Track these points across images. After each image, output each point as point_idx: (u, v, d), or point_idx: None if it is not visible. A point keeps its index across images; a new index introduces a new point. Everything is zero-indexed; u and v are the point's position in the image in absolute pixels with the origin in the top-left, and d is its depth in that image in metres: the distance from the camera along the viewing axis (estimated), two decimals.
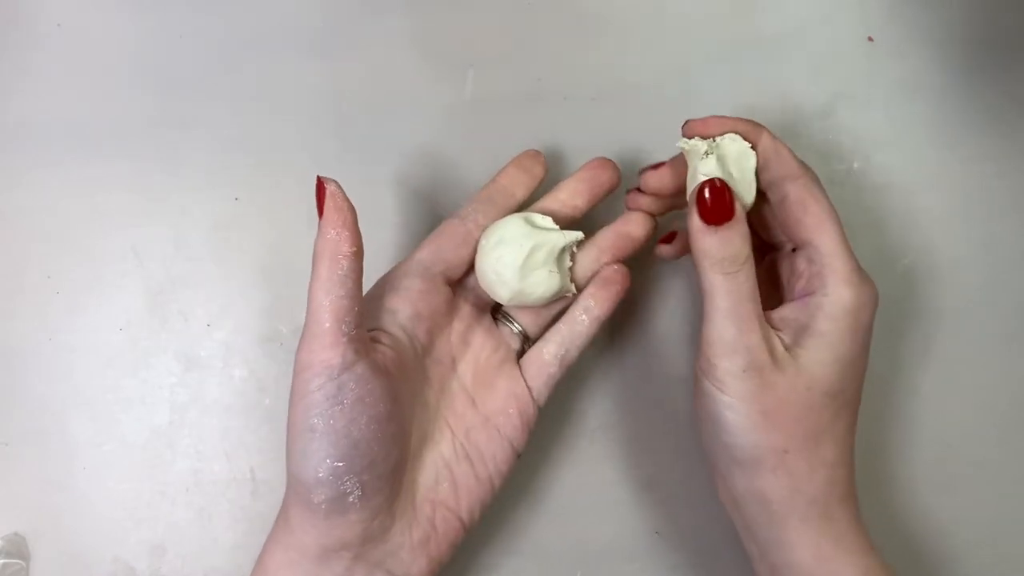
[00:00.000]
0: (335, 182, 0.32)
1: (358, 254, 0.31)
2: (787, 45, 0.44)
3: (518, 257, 0.34)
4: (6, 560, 0.38)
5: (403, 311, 0.34)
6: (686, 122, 0.34)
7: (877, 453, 0.41)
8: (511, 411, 0.35)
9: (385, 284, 0.35)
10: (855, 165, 0.43)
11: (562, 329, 0.36)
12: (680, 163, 0.35)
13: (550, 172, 0.40)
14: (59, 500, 0.39)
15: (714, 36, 0.44)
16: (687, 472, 0.40)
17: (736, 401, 0.31)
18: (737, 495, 0.33)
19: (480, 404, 0.35)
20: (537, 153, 0.39)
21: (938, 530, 0.40)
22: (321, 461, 0.30)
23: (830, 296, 0.31)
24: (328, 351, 0.30)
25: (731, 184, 0.32)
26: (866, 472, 0.40)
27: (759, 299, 0.32)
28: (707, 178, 0.32)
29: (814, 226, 0.32)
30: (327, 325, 0.30)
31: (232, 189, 0.42)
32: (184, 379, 0.41)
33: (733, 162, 0.33)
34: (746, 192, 0.33)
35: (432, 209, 0.42)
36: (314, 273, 0.31)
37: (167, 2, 0.44)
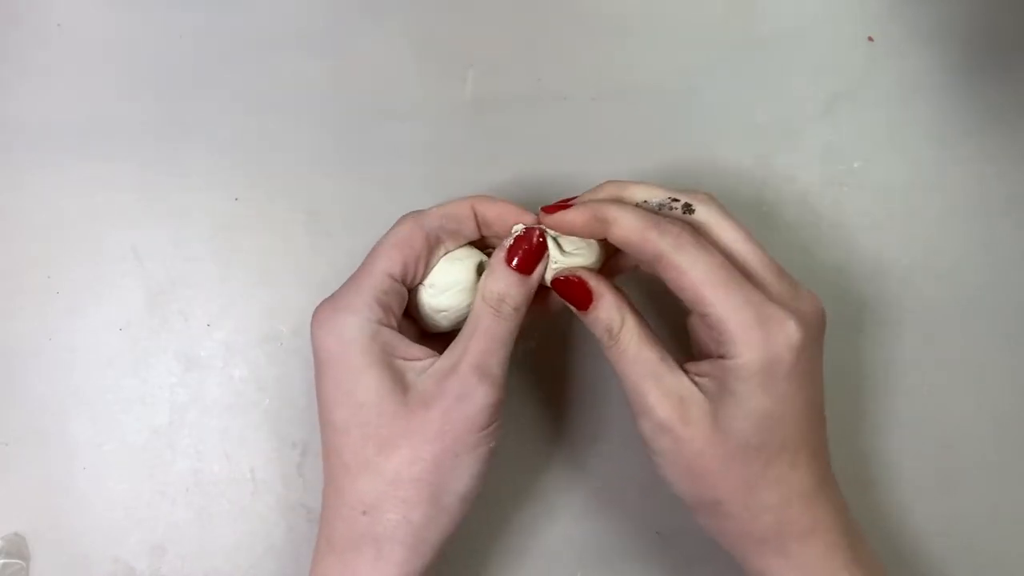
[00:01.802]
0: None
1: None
2: (787, 45, 0.44)
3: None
4: (6, 560, 0.38)
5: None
6: (542, 209, 0.34)
7: (877, 453, 0.41)
8: None
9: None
10: (855, 165, 0.43)
11: None
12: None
13: (546, 177, 0.40)
14: (59, 500, 0.39)
15: (714, 36, 0.44)
16: None
17: (659, 458, 0.32)
18: (701, 526, 0.34)
19: None
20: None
21: (937, 530, 0.40)
22: (484, 478, 0.33)
23: (734, 359, 0.30)
24: (506, 387, 0.34)
25: (571, 262, 0.34)
26: (866, 472, 0.40)
27: (653, 355, 0.32)
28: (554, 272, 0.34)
29: (694, 300, 0.31)
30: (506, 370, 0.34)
31: (232, 189, 0.42)
32: (184, 379, 0.41)
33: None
34: (591, 256, 0.34)
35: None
36: (500, 319, 0.33)
37: (167, 2, 0.44)
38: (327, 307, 0.33)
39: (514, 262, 0.33)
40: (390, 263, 0.33)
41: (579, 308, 0.33)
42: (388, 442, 0.32)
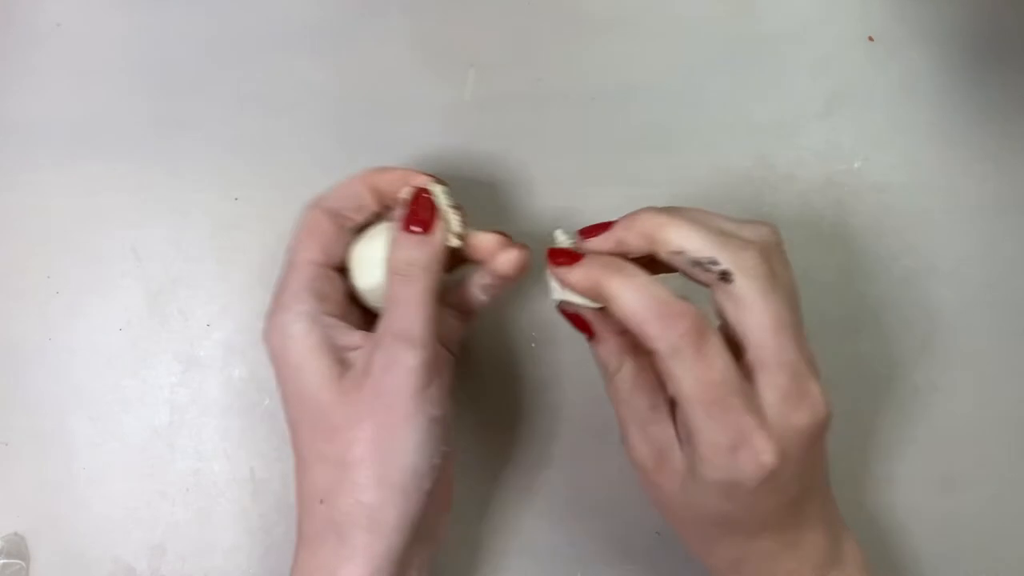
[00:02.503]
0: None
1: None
2: (787, 45, 0.44)
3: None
4: (6, 560, 0.38)
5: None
6: (549, 252, 0.33)
7: (876, 453, 0.41)
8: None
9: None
10: (855, 165, 0.43)
11: None
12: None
13: (547, 177, 0.39)
14: (59, 500, 0.39)
15: (714, 36, 0.44)
16: None
17: (650, 497, 0.33)
18: None
19: None
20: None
21: (937, 530, 0.40)
22: (436, 448, 0.32)
23: (696, 466, 0.29)
24: (439, 347, 0.32)
25: (577, 300, 0.33)
26: (865, 472, 0.40)
27: (640, 400, 0.32)
28: (562, 298, 0.33)
29: (678, 400, 0.29)
30: (433, 328, 0.32)
31: (232, 189, 0.42)
32: (184, 379, 0.41)
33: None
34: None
35: None
36: (417, 282, 0.32)
37: (167, 2, 0.44)
38: (268, 312, 0.34)
39: (418, 225, 0.33)
40: (307, 251, 0.34)
41: (585, 335, 0.34)
42: (331, 429, 0.32)
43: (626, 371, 0.32)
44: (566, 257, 0.32)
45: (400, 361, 0.31)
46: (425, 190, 0.34)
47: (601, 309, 0.32)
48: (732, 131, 0.43)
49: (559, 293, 0.33)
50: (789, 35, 0.44)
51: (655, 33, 0.44)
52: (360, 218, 0.35)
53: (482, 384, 0.41)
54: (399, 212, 0.34)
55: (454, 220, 0.34)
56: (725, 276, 0.29)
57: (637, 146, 0.43)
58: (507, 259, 0.34)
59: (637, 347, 0.32)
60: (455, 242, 0.34)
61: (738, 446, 0.28)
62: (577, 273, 0.31)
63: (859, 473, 0.40)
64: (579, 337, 0.41)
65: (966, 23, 0.44)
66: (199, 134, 0.43)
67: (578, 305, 0.33)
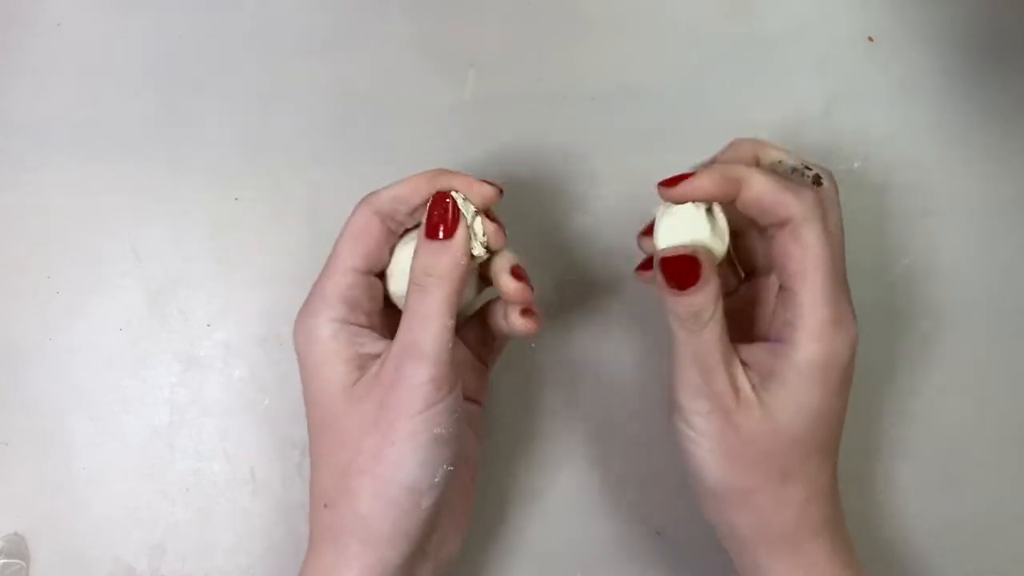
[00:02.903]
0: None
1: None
2: (787, 45, 0.44)
3: None
4: (6, 560, 0.38)
5: None
6: (661, 185, 0.33)
7: (876, 453, 0.41)
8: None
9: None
10: (855, 165, 0.43)
11: None
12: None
13: (547, 177, 0.39)
14: (59, 500, 0.39)
15: (714, 36, 0.44)
16: (687, 472, 0.40)
17: (702, 440, 0.31)
18: (711, 521, 0.33)
19: None
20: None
21: (937, 530, 0.40)
22: (439, 467, 0.31)
23: (798, 350, 0.30)
24: (450, 367, 0.31)
25: (698, 239, 0.31)
26: (865, 472, 0.40)
27: (726, 344, 0.31)
28: (670, 246, 0.32)
29: (794, 275, 0.31)
30: (449, 345, 0.31)
31: (232, 189, 0.42)
32: (184, 379, 0.41)
33: (702, 215, 0.32)
34: (718, 244, 0.32)
35: None
36: (436, 292, 0.32)
37: (167, 2, 0.44)
38: (300, 311, 0.34)
39: (438, 232, 0.32)
40: (351, 257, 0.33)
41: (677, 287, 0.31)
42: (340, 435, 0.32)
43: (720, 316, 0.31)
44: (678, 177, 0.32)
45: (407, 376, 0.31)
46: (447, 194, 0.33)
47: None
48: (732, 131, 0.43)
49: (668, 239, 0.32)
50: (789, 35, 0.44)
51: (655, 33, 0.44)
52: (411, 223, 0.34)
53: None
54: (423, 219, 0.33)
55: (479, 228, 0.33)
56: (818, 180, 0.33)
57: (637, 146, 0.43)
58: (520, 324, 0.34)
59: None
60: (479, 251, 0.33)
61: (839, 319, 0.30)
62: (704, 176, 0.31)
63: (858, 473, 0.40)
64: (579, 337, 0.41)
65: (966, 23, 0.45)
66: (199, 134, 0.43)
67: (688, 244, 0.31)
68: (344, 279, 0.33)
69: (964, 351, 0.41)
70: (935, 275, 0.42)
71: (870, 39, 0.44)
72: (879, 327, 0.42)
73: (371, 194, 0.34)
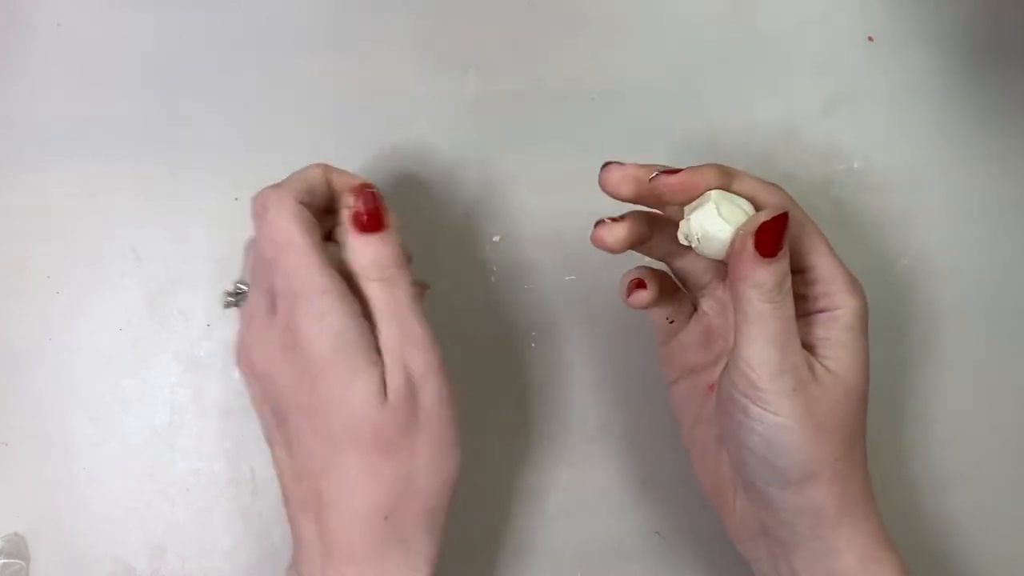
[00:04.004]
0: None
1: None
2: (787, 45, 0.44)
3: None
4: (6, 560, 0.38)
5: None
6: (660, 174, 0.33)
7: (876, 453, 0.40)
8: None
9: None
10: (855, 165, 0.43)
11: None
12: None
13: (547, 177, 0.39)
14: (59, 500, 0.39)
15: (714, 36, 0.44)
16: (687, 472, 0.40)
17: (790, 420, 0.31)
18: (785, 515, 0.32)
19: None
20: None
21: (938, 530, 0.40)
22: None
23: (843, 308, 0.33)
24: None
25: (750, 211, 0.32)
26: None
27: (796, 323, 0.32)
28: (742, 218, 0.32)
29: (808, 252, 0.33)
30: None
31: (232, 189, 0.42)
32: (184, 379, 0.41)
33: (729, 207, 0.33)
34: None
35: (433, 209, 0.42)
36: (399, 287, 0.32)
37: (167, 2, 0.44)
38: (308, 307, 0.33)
39: (382, 223, 0.32)
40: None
41: (767, 254, 0.31)
42: (386, 447, 0.32)
43: (789, 285, 0.31)
44: (673, 170, 0.33)
45: (446, 396, 0.32)
46: (367, 185, 0.33)
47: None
48: (732, 131, 0.43)
49: (738, 213, 0.32)
50: (789, 35, 0.44)
51: (655, 33, 0.44)
52: (310, 202, 0.34)
53: (482, 385, 0.41)
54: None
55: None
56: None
57: (637, 146, 0.43)
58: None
59: None
60: None
61: (853, 277, 0.33)
62: (704, 168, 0.33)
63: None
64: (579, 338, 0.41)
65: (966, 23, 0.45)
66: (199, 134, 0.43)
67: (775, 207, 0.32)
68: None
69: (963, 351, 0.41)
70: (935, 275, 0.42)
71: (870, 39, 0.44)
72: (879, 327, 0.41)
73: (276, 185, 0.34)
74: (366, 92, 0.43)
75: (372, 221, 0.32)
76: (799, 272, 0.33)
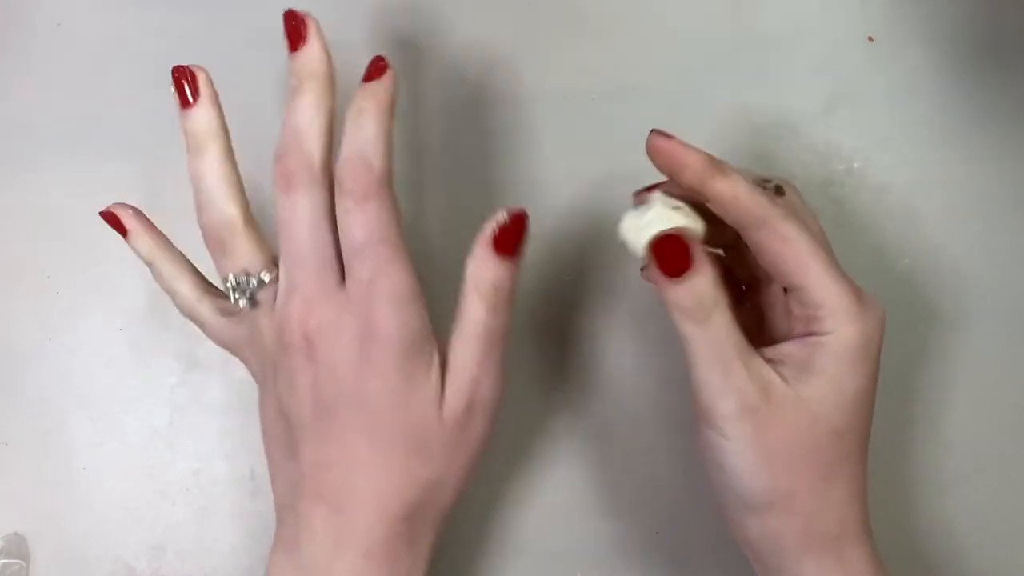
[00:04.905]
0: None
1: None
2: (787, 45, 0.44)
3: None
4: (6, 560, 0.38)
5: None
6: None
7: (876, 453, 0.40)
8: None
9: None
10: (855, 165, 0.43)
11: None
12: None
13: (547, 177, 0.39)
14: (59, 500, 0.39)
15: (714, 36, 0.44)
16: (687, 472, 0.40)
17: (737, 444, 0.30)
18: (751, 537, 0.32)
19: None
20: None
21: (938, 530, 0.40)
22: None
23: (833, 335, 0.30)
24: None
25: (681, 222, 0.30)
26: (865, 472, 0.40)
27: (740, 337, 0.30)
28: (659, 229, 0.30)
29: (795, 272, 0.30)
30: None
31: None
32: (184, 379, 0.41)
33: (670, 205, 0.31)
34: (695, 223, 0.31)
35: (434, 209, 0.42)
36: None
37: (167, 2, 0.44)
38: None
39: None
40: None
41: (670, 274, 0.30)
42: (437, 454, 0.32)
43: (723, 301, 0.30)
44: (675, 138, 0.32)
45: (490, 429, 0.33)
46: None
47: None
48: (732, 131, 0.43)
49: (660, 223, 0.31)
50: (789, 35, 0.44)
51: (655, 33, 0.44)
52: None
53: None
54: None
55: None
56: (779, 190, 0.33)
57: (637, 146, 0.43)
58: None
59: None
60: None
61: (859, 298, 0.30)
62: (691, 150, 0.31)
63: None
64: (580, 337, 0.41)
65: (966, 23, 0.44)
66: None
67: (680, 228, 0.30)
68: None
69: (964, 351, 0.41)
70: (935, 275, 0.42)
71: (870, 39, 0.44)
72: None
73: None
74: None
75: (513, 246, 0.31)
76: (790, 291, 0.31)
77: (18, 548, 0.39)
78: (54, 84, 0.43)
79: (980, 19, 0.45)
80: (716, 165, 0.31)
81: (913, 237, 0.42)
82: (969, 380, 0.41)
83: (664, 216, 0.31)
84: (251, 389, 0.41)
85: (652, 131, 0.32)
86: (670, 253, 0.30)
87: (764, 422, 0.30)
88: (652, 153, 0.32)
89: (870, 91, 0.44)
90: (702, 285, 0.29)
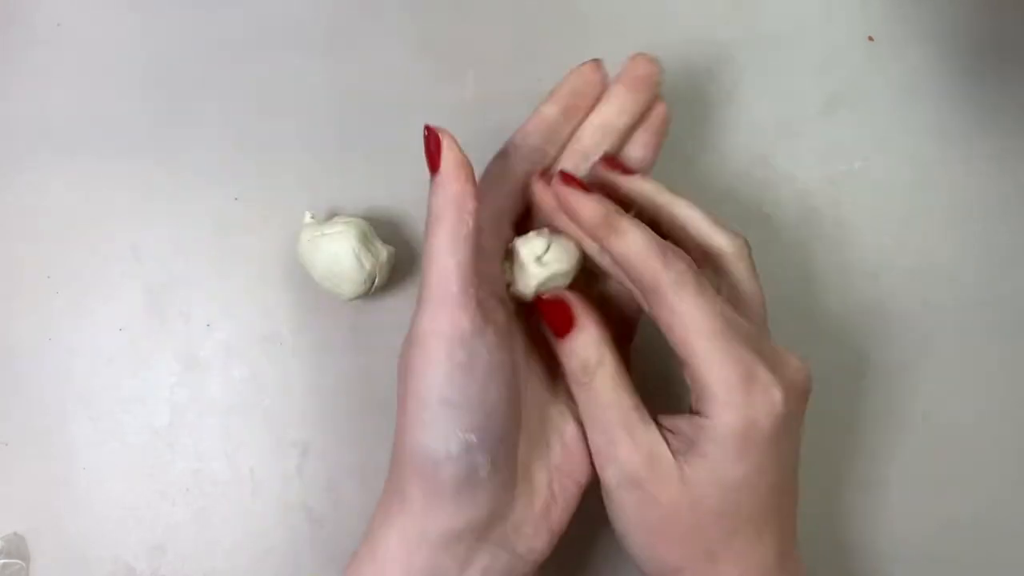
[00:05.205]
0: (449, 133, 0.30)
1: (479, 210, 0.29)
2: (787, 45, 0.44)
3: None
4: (6, 560, 0.38)
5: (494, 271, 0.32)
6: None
7: (876, 453, 0.41)
8: None
9: None
10: (855, 165, 0.43)
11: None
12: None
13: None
14: (59, 500, 0.39)
15: (714, 35, 0.44)
16: None
17: (621, 513, 0.30)
18: None
19: None
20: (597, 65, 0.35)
21: (936, 530, 0.40)
22: (453, 434, 0.28)
23: (711, 420, 0.28)
24: (459, 316, 0.28)
25: (557, 272, 0.30)
26: (864, 472, 0.40)
27: (629, 399, 0.30)
28: (539, 281, 0.30)
29: (679, 346, 0.28)
30: (455, 288, 0.28)
31: (232, 189, 0.42)
32: (184, 379, 0.41)
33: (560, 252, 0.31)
34: (568, 262, 0.31)
35: None
36: (435, 232, 0.28)
37: (167, 2, 0.44)
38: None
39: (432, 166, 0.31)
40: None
41: (556, 334, 0.30)
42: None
43: (607, 364, 0.30)
44: (578, 184, 0.31)
45: (413, 327, 0.30)
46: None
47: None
48: (732, 131, 0.43)
49: (537, 277, 0.31)
50: (789, 35, 0.44)
51: (655, 33, 0.44)
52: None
53: None
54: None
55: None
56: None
57: None
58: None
59: (611, 341, 0.31)
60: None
61: (749, 382, 0.28)
62: (593, 203, 0.30)
63: (857, 473, 0.40)
64: None
65: (966, 23, 0.45)
66: (199, 134, 0.43)
67: (556, 281, 0.31)
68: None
69: (964, 351, 0.41)
70: (935, 275, 0.42)
71: (870, 39, 0.44)
72: (879, 327, 0.42)
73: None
74: (366, 92, 0.43)
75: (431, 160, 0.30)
76: (681, 363, 0.29)
77: (18, 548, 0.39)
78: (54, 84, 0.43)
79: (980, 19, 0.45)
80: (609, 223, 0.29)
81: (913, 237, 0.42)
82: (969, 379, 0.41)
83: (562, 254, 0.30)
84: (251, 389, 0.41)
85: (559, 172, 0.32)
86: (551, 312, 0.30)
87: (648, 496, 0.29)
88: (540, 203, 0.32)
89: (870, 91, 0.44)
90: (583, 345, 0.29)
